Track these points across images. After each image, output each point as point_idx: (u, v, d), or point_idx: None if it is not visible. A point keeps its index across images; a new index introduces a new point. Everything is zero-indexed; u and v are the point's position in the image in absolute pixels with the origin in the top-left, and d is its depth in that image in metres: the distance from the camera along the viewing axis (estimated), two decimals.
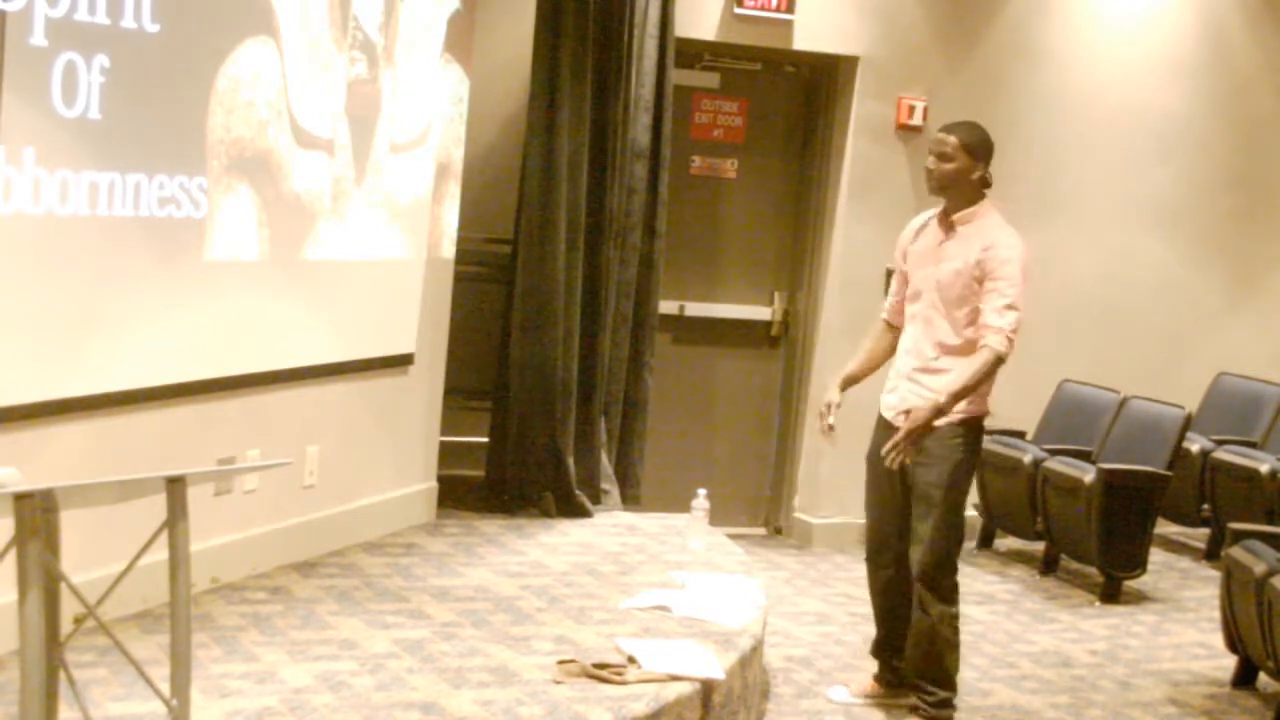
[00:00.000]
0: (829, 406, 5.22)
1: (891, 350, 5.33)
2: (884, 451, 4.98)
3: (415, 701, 4.40)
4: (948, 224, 5.10)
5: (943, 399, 4.92)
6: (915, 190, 8.01)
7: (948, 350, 5.06)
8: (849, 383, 5.32)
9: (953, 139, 5.05)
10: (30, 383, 4.53)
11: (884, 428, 5.18)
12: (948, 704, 5.22)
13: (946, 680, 5.19)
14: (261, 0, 5.26)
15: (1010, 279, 4.93)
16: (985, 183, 5.09)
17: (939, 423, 4.95)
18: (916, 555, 5.11)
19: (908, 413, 5.01)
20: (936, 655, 5.16)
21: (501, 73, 7.32)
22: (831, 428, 5.19)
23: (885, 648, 5.43)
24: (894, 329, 5.34)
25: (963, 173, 5.04)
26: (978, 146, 5.06)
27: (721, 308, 7.97)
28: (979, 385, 4.98)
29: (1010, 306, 4.92)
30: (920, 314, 5.15)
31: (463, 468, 7.26)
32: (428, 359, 6.59)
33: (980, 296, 4.97)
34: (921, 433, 4.93)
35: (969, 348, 5.00)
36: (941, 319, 5.07)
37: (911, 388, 5.12)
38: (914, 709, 5.27)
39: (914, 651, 5.23)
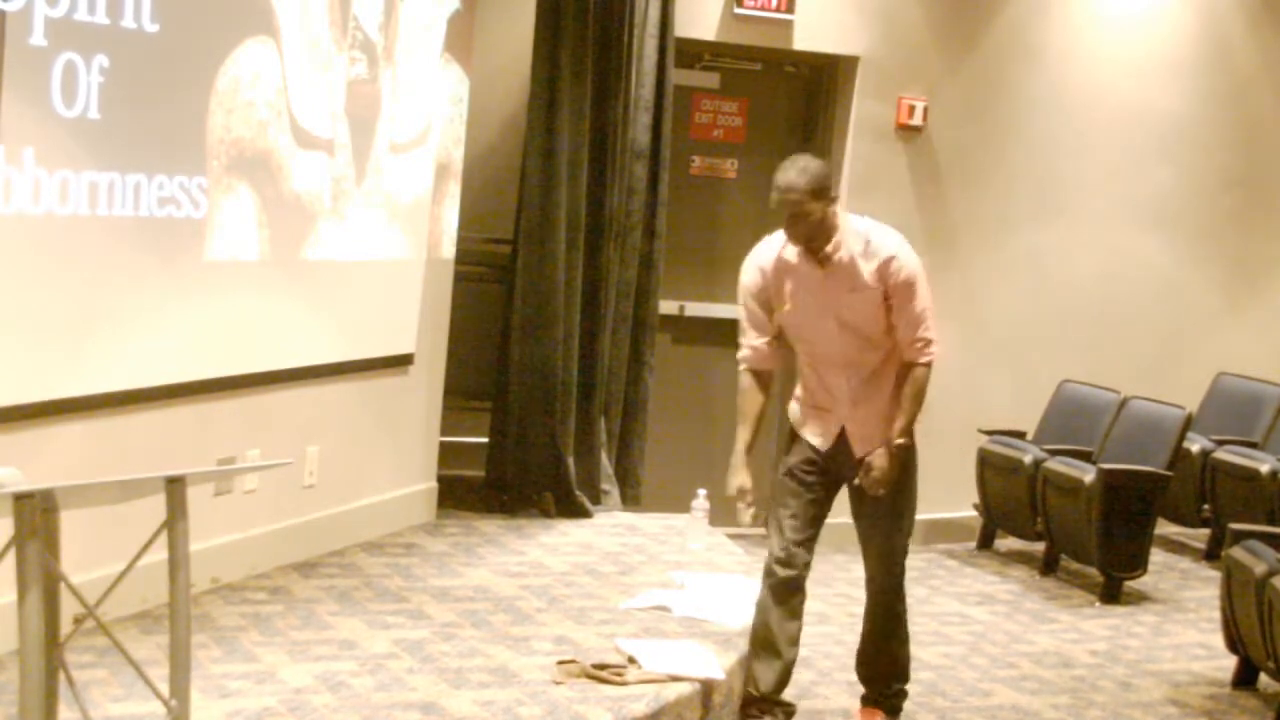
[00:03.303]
0: (743, 492, 4.91)
1: (768, 399, 5.02)
2: (865, 487, 4.87)
3: (415, 702, 4.40)
4: (821, 258, 4.78)
5: (903, 440, 4.86)
6: (915, 190, 8.02)
7: (880, 364, 4.88)
8: (748, 453, 4.97)
9: (797, 193, 4.66)
10: (30, 383, 4.53)
11: (811, 449, 4.98)
12: (905, 693, 5.21)
13: (907, 673, 5.18)
14: (261, 0, 5.26)
15: (918, 285, 4.79)
16: (834, 202, 4.80)
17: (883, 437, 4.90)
18: (883, 560, 5.01)
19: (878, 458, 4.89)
20: (900, 652, 5.12)
21: (501, 73, 7.32)
22: (755, 511, 4.95)
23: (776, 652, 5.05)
24: (764, 376, 4.99)
25: (821, 215, 4.71)
26: (822, 185, 4.71)
27: (721, 308, 7.94)
28: (923, 404, 4.90)
29: (928, 312, 4.80)
30: (831, 354, 4.88)
31: (463, 468, 7.26)
32: (428, 359, 6.59)
33: (891, 308, 4.79)
34: (899, 476, 4.87)
35: (895, 351, 4.86)
36: (861, 346, 4.85)
37: (854, 413, 4.91)
38: (874, 703, 5.17)
39: (877, 653, 5.12)
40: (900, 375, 4.86)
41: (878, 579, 5.07)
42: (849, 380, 4.89)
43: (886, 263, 4.76)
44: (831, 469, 4.98)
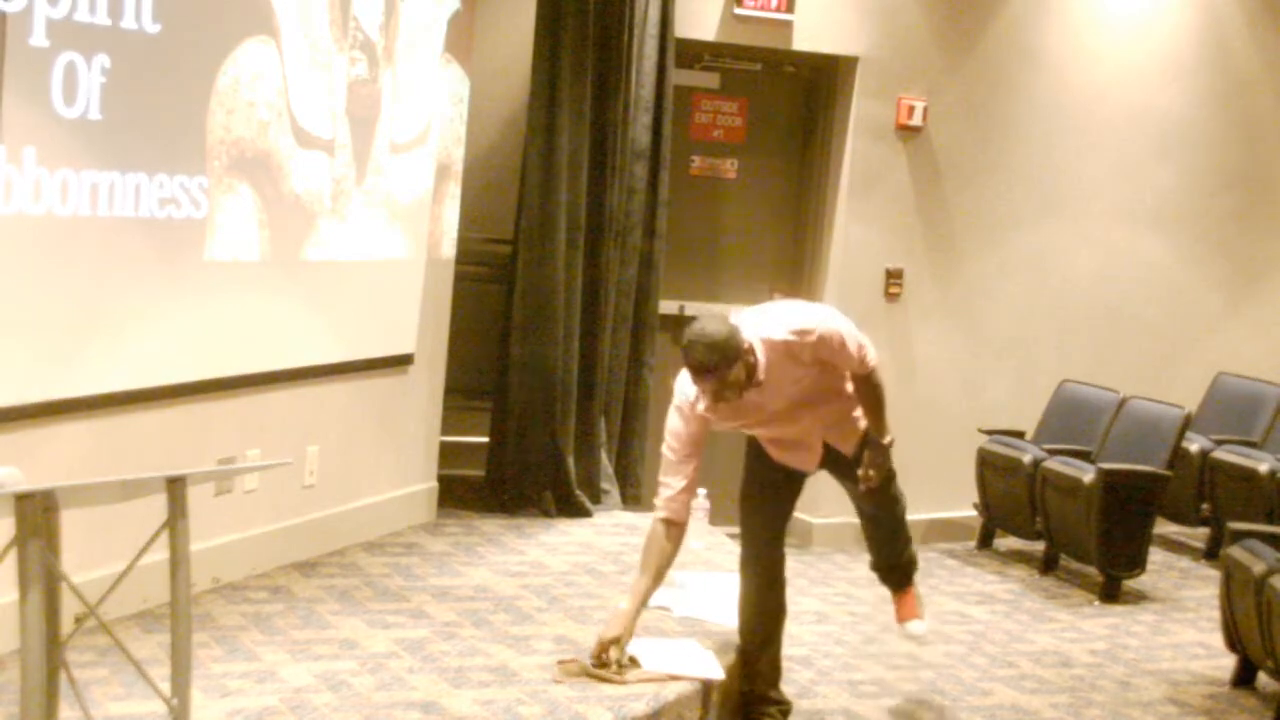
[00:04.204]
0: (616, 643, 4.68)
1: (674, 554, 4.81)
2: (866, 488, 4.93)
3: (415, 701, 4.41)
4: (754, 385, 4.64)
5: (888, 437, 4.91)
6: (915, 190, 8.03)
7: (838, 389, 4.89)
8: (640, 607, 4.76)
9: (715, 375, 4.46)
10: (30, 383, 4.54)
11: (780, 465, 5.03)
12: (915, 558, 5.33)
13: (909, 535, 5.28)
14: (261, 0, 5.27)
15: (846, 335, 4.71)
16: (748, 349, 4.58)
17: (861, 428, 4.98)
18: (884, 501, 5.11)
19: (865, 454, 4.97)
20: (902, 530, 5.23)
21: (501, 73, 7.33)
22: (611, 665, 4.68)
23: (767, 648, 5.16)
24: (676, 529, 4.78)
25: (743, 372, 4.54)
26: (733, 352, 4.48)
27: (721, 308, 7.95)
28: (885, 396, 4.92)
29: (861, 343, 4.76)
30: (796, 420, 4.86)
31: (463, 468, 7.27)
32: (428, 359, 6.59)
33: (833, 360, 4.75)
34: (887, 463, 4.96)
35: (846, 382, 4.90)
36: (817, 400, 4.84)
37: (830, 431, 4.96)
38: (899, 585, 5.29)
39: (892, 555, 5.24)
40: (855, 384, 4.89)
41: (879, 511, 5.17)
42: (816, 421, 4.93)
43: (817, 344, 4.67)
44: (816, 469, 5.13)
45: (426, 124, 6.34)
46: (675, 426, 4.81)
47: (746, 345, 4.56)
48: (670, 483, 4.79)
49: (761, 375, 4.63)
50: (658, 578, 4.78)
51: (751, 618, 5.10)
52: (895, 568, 5.30)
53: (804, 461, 5.03)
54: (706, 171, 7.93)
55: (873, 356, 4.83)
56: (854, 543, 7.83)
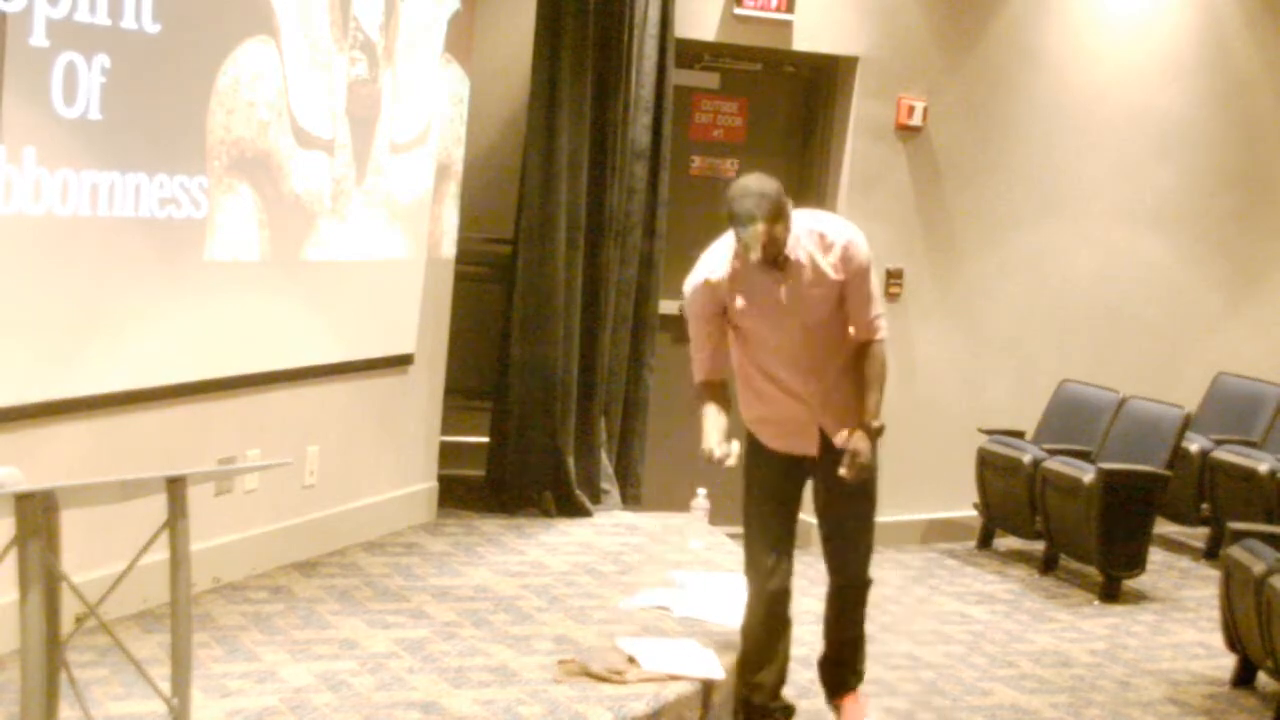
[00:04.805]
0: (718, 447, 4.76)
1: (728, 398, 4.93)
2: (849, 476, 4.76)
3: (415, 701, 4.41)
4: (780, 261, 4.72)
5: (876, 422, 4.81)
6: (915, 190, 8.03)
7: (846, 357, 4.85)
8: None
9: (762, 224, 4.54)
10: (30, 383, 4.54)
11: (784, 459, 4.98)
12: (863, 665, 5.23)
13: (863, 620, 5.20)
14: (261, 0, 5.27)
15: (871, 267, 4.81)
16: (788, 215, 4.70)
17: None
18: (859, 554, 5.02)
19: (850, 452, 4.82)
20: (863, 642, 5.16)
21: (501, 73, 7.33)
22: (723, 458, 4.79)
23: (772, 658, 5.09)
24: (718, 385, 4.91)
25: (785, 231, 4.67)
26: (781, 207, 4.61)
27: None
28: (886, 379, 4.89)
29: (877, 290, 4.85)
30: (799, 359, 4.83)
31: (463, 468, 7.27)
32: (428, 359, 6.59)
33: (847, 294, 4.79)
34: (873, 455, 4.83)
35: (854, 343, 4.85)
36: (824, 341, 4.83)
37: (826, 414, 4.87)
38: (844, 692, 5.15)
39: (842, 650, 5.14)
40: (858, 356, 4.84)
41: (851, 581, 5.04)
42: (820, 385, 4.85)
43: (846, 248, 4.77)
44: (808, 464, 4.97)
45: (426, 124, 6.34)
46: (689, 311, 4.92)
47: (789, 210, 4.69)
48: (698, 356, 4.94)
49: (796, 250, 4.72)
50: (724, 413, 4.88)
51: (755, 626, 5.04)
52: (842, 663, 5.13)
53: (802, 446, 4.93)
54: (706, 171, 7.93)
55: (884, 324, 4.84)
56: None
